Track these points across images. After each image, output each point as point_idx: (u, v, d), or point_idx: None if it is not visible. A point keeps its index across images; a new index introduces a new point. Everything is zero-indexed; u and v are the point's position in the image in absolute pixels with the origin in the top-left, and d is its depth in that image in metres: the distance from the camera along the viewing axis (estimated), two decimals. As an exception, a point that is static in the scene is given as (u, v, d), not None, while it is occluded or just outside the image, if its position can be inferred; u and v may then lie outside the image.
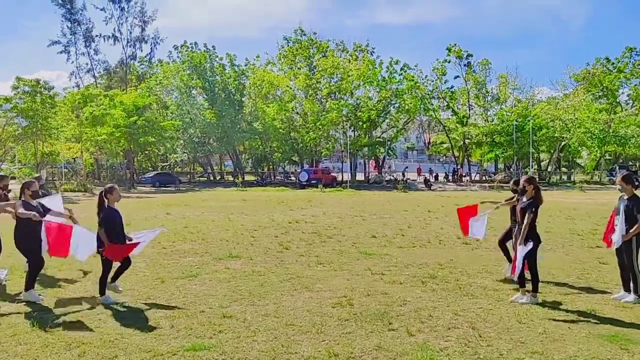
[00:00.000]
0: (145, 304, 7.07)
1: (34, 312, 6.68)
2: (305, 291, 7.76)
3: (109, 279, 7.18)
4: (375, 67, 50.01)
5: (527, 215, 6.92)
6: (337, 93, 50.85)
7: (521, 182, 7.31)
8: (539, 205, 7.05)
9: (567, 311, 6.64)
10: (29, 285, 7.21)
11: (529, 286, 7.07)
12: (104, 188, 7.39)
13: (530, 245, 6.89)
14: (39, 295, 7.31)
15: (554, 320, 6.26)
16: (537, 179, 47.58)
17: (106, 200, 7.21)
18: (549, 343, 5.49)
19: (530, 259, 6.99)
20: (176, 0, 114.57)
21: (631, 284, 7.03)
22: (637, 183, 7.27)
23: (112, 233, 7.07)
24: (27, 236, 7.16)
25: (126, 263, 7.30)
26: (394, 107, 51.61)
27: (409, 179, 49.83)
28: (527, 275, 7.06)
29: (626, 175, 7.27)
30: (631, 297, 6.99)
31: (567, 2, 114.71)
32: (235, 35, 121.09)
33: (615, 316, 6.39)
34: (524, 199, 7.16)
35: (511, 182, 9.03)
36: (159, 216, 18.99)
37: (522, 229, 6.93)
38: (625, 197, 7.07)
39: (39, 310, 6.73)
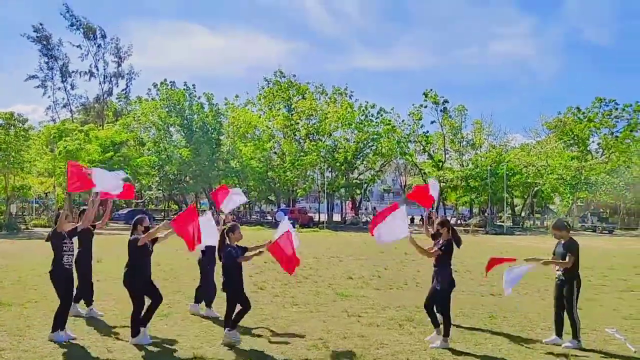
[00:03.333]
0: (114, 343, 6.80)
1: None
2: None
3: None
4: (354, 110, 50.71)
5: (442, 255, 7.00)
6: (315, 134, 51.22)
7: (434, 225, 7.31)
8: (454, 244, 7.03)
9: (545, 353, 6.60)
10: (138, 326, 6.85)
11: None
12: (225, 226, 7.15)
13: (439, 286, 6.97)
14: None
15: (532, 365, 6.20)
16: (512, 224, 48.71)
17: (227, 239, 7.04)
18: (527, 388, 5.41)
19: (441, 300, 6.99)
20: (155, 40, 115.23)
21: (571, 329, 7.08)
22: (569, 226, 7.49)
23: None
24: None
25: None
26: (370, 150, 52.15)
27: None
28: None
29: (556, 223, 7.53)
30: (573, 343, 7.00)
31: (538, 54, 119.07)
32: (214, 75, 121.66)
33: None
34: (440, 241, 7.15)
35: (436, 224, 7.50)
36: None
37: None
38: (562, 241, 7.21)
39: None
